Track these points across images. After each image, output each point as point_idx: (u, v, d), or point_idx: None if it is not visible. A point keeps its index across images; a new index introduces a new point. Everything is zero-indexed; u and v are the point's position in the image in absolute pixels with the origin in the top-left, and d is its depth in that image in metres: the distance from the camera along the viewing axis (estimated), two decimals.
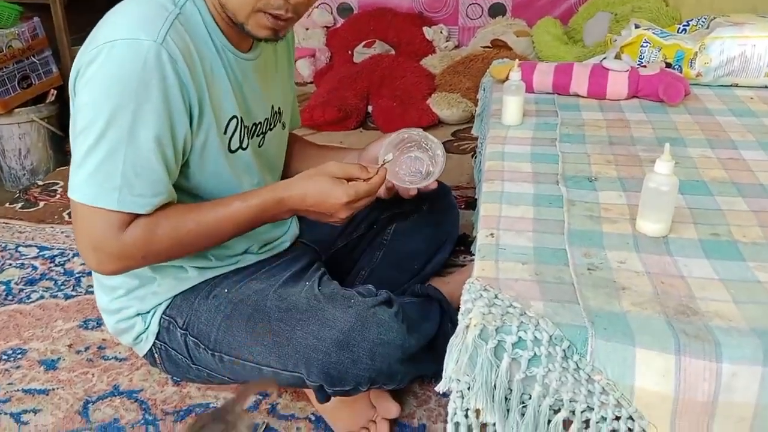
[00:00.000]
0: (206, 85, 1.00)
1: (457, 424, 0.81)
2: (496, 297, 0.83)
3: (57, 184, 2.28)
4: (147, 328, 1.20)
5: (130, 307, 1.19)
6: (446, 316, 1.32)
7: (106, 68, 0.91)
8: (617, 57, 1.69)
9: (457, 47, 3.46)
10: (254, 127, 1.16)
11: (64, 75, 2.55)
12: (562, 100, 1.53)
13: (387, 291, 1.12)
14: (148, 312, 1.19)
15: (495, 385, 0.78)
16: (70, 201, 0.98)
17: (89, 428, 1.21)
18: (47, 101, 2.47)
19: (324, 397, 1.06)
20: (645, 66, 1.58)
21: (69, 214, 2.04)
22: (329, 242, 1.41)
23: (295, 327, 1.03)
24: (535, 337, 0.77)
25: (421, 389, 1.28)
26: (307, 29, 3.54)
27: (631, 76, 1.48)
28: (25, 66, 2.39)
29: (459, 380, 0.79)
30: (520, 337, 0.77)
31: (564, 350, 0.76)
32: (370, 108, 2.83)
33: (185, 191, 1.09)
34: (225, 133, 1.07)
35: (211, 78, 1.02)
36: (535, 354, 0.77)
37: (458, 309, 1.34)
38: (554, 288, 0.84)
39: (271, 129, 1.21)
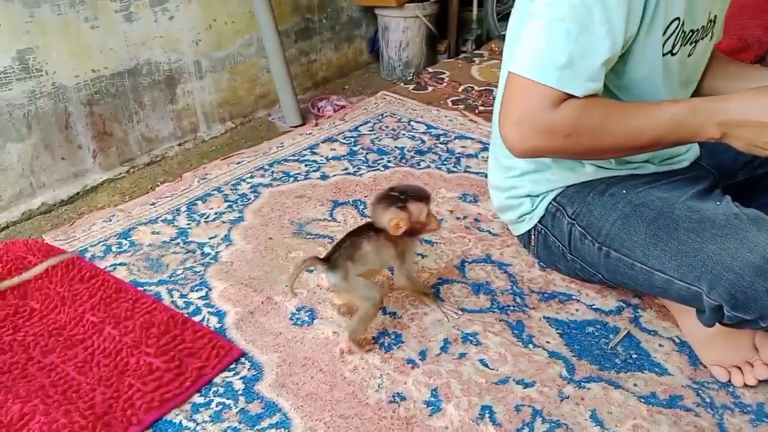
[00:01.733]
0: None
1: None
2: None
3: (444, 73, 2.50)
4: (533, 210, 1.28)
5: (522, 187, 1.28)
6: None
7: None
8: None
9: None
10: (691, 33, 1.11)
11: None
12: None
13: None
14: (538, 195, 1.27)
15: None
16: (508, 75, 1.05)
17: (465, 282, 1.36)
18: (431, 0, 2.63)
19: (713, 319, 1.02)
20: None
21: (453, 102, 2.25)
22: (730, 171, 1.31)
23: (708, 241, 0.99)
24: None
25: None
26: None
27: None
28: None
29: None
30: None
31: None
32: None
33: (610, 90, 1.10)
34: (664, 33, 1.04)
35: None
36: None
37: None
38: None
39: (702, 38, 1.14)
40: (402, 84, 2.43)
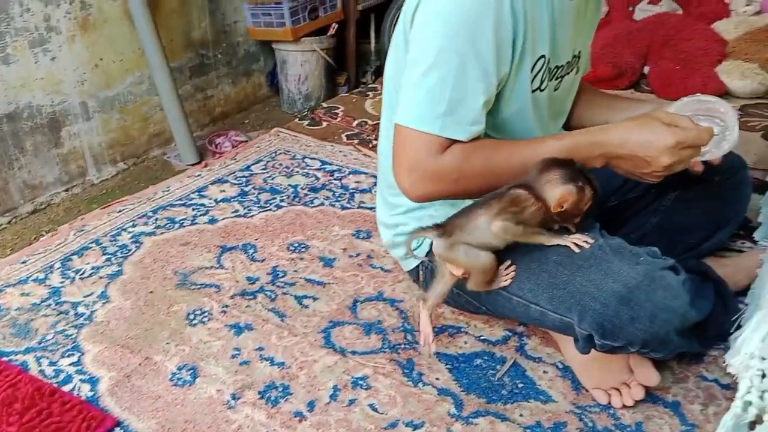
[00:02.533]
0: (531, 20, 1.02)
1: (747, 403, 0.75)
2: None
3: (338, 108, 2.50)
4: (419, 246, 1.29)
5: (407, 224, 1.29)
6: (720, 300, 1.22)
7: (445, 1, 0.97)
8: None
9: (758, 13, 3.04)
10: (556, 69, 1.15)
11: (346, 11, 2.72)
12: None
13: (671, 258, 1.07)
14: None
15: None
16: (395, 126, 1.06)
17: (356, 323, 1.35)
18: (328, 34, 2.64)
19: (587, 347, 1.05)
20: None
21: (347, 137, 2.25)
22: (602, 197, 1.36)
23: (575, 272, 1.02)
24: None
25: (679, 367, 1.21)
26: None
27: None
28: None
29: (764, 358, 0.73)
30: None
31: None
32: (646, 69, 2.63)
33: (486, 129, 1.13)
34: (532, 70, 1.08)
35: (536, 13, 1.03)
36: None
37: (735, 294, 1.26)
38: None
39: (568, 73, 1.20)
40: (297, 120, 2.41)
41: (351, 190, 1.88)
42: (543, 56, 1.09)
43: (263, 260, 1.56)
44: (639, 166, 1.02)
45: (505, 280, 1.10)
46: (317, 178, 1.95)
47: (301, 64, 2.57)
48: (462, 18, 0.96)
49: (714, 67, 2.49)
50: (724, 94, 2.44)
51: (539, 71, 1.10)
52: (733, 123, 1.11)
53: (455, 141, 1.01)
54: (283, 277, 1.50)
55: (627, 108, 1.29)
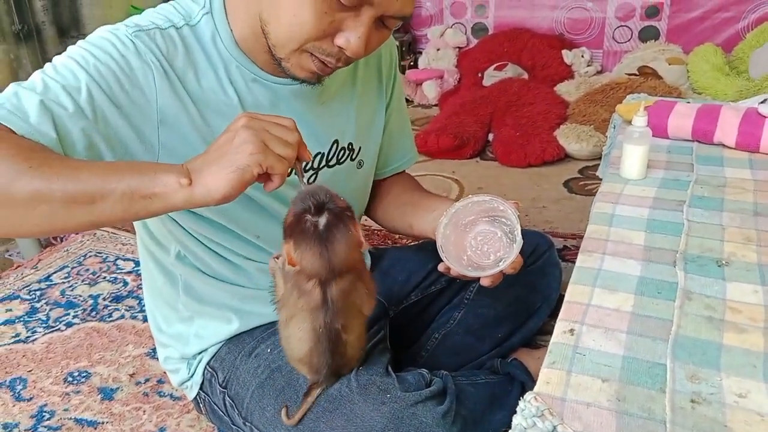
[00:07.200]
0: (192, 101, 0.87)
1: None
2: (554, 430, 0.63)
3: None
4: (191, 377, 1.12)
5: (173, 346, 1.12)
6: None
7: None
8: None
9: (599, 73, 3.16)
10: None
11: None
12: (703, 150, 1.25)
13: (444, 377, 0.94)
14: (194, 357, 1.11)
15: None
16: None
17: None
18: None
19: None
20: None
21: None
22: (401, 295, 1.25)
23: (320, 418, 0.88)
24: None
25: None
26: (438, 50, 3.41)
27: None
28: None
29: None
30: None
31: None
32: (491, 136, 2.63)
33: (211, 221, 0.97)
34: None
35: (204, 95, 0.88)
36: None
37: None
38: (638, 425, 0.62)
39: (329, 165, 1.05)
40: None
41: None
42: None
43: (30, 399, 1.32)
44: (224, 150, 0.73)
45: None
46: (125, 284, 1.75)
47: None
48: (92, 40, 0.83)
49: (554, 131, 2.52)
50: (564, 157, 2.45)
51: None
52: (516, 221, 0.98)
53: None
54: (49, 419, 1.27)
55: (433, 207, 1.15)
